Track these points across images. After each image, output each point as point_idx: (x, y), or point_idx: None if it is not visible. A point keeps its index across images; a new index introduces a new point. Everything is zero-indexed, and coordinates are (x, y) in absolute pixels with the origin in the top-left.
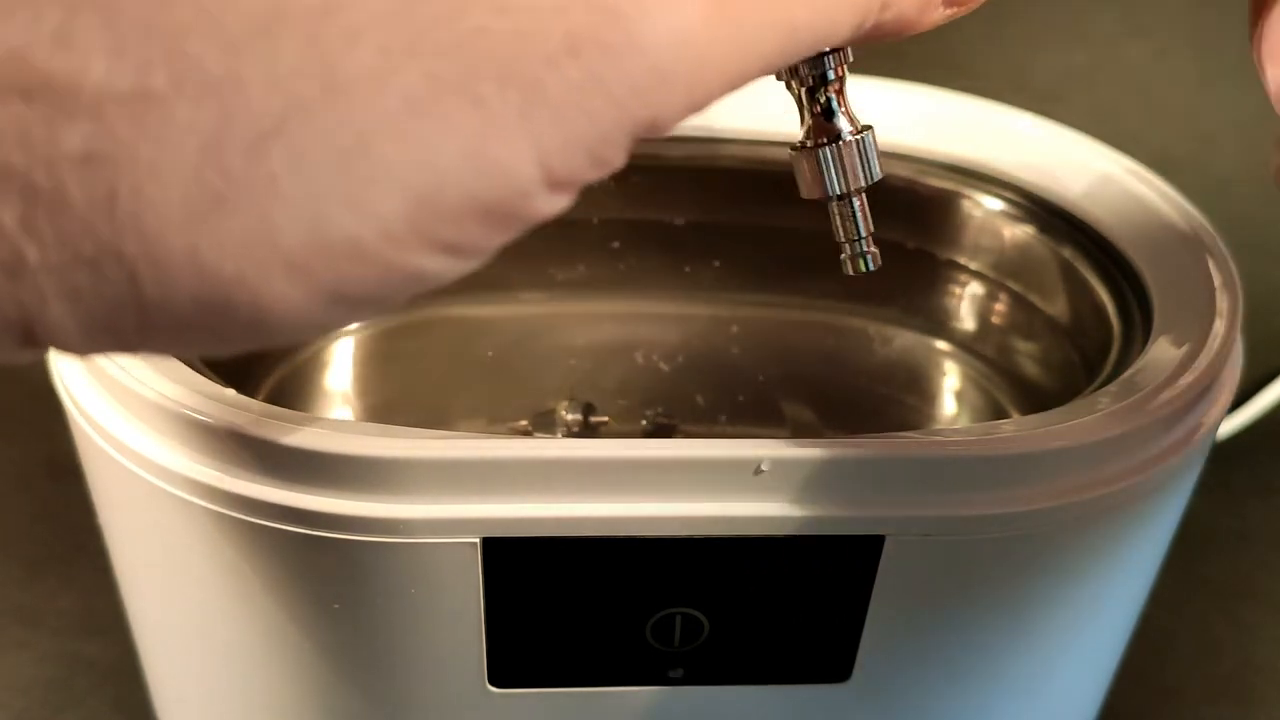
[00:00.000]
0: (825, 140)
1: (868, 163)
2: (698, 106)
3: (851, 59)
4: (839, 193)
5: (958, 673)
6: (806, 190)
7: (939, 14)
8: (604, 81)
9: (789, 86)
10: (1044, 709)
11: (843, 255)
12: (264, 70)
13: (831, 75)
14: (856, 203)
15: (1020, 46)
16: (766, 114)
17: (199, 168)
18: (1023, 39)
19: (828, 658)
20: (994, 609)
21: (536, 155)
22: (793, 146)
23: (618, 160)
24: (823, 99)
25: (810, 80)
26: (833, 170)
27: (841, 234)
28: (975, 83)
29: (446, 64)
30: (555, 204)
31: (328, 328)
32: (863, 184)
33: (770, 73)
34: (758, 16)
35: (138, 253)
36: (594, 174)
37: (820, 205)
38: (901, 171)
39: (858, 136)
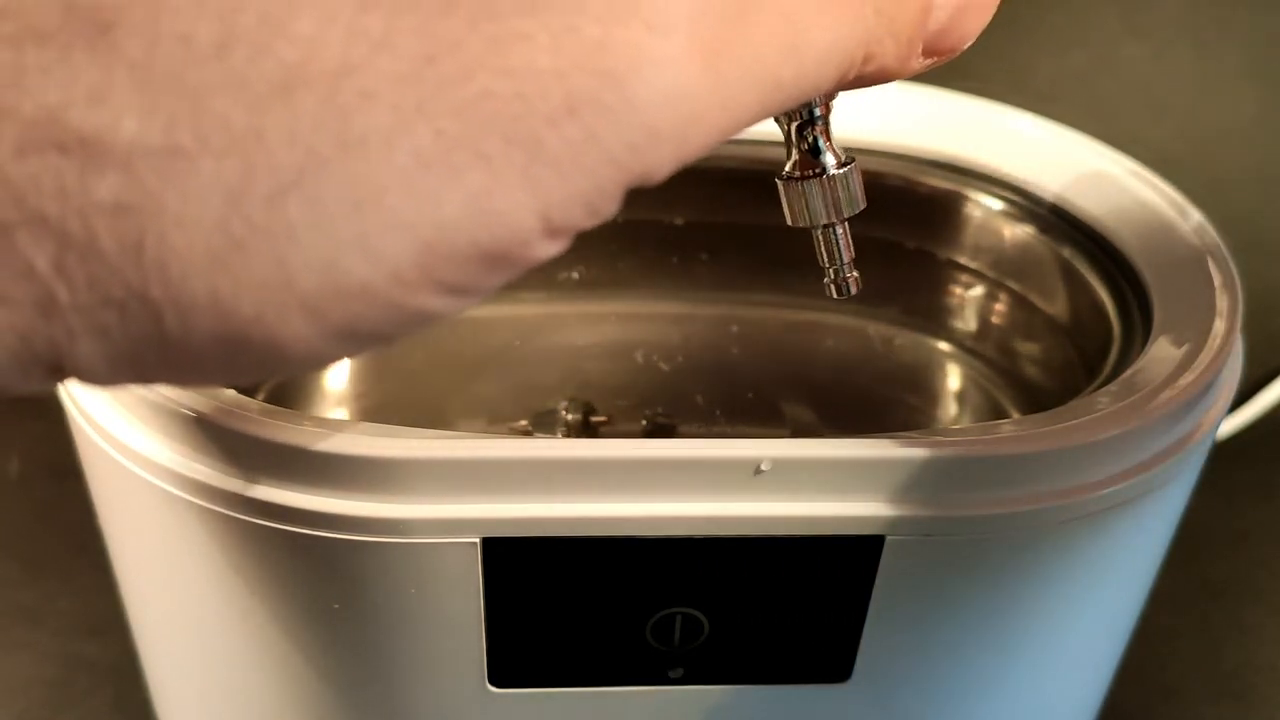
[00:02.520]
0: (811, 174)
1: (851, 195)
2: (685, 159)
3: (836, 97)
4: (824, 222)
5: (958, 672)
6: (792, 218)
7: (918, 64)
8: (601, 139)
9: (776, 121)
10: (1044, 708)
11: (825, 279)
12: (284, 127)
13: (818, 114)
14: (839, 231)
15: (1020, 46)
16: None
17: (222, 217)
18: (1023, 39)
19: (828, 658)
20: (994, 609)
21: (537, 207)
22: (778, 176)
23: (611, 210)
24: (810, 137)
25: (799, 117)
26: (818, 202)
27: (825, 260)
28: (975, 83)
29: (454, 123)
30: (551, 249)
31: (334, 361)
32: (846, 215)
33: (755, 124)
34: (746, 76)
35: (163, 296)
36: (588, 222)
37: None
38: (901, 171)
39: (842, 170)
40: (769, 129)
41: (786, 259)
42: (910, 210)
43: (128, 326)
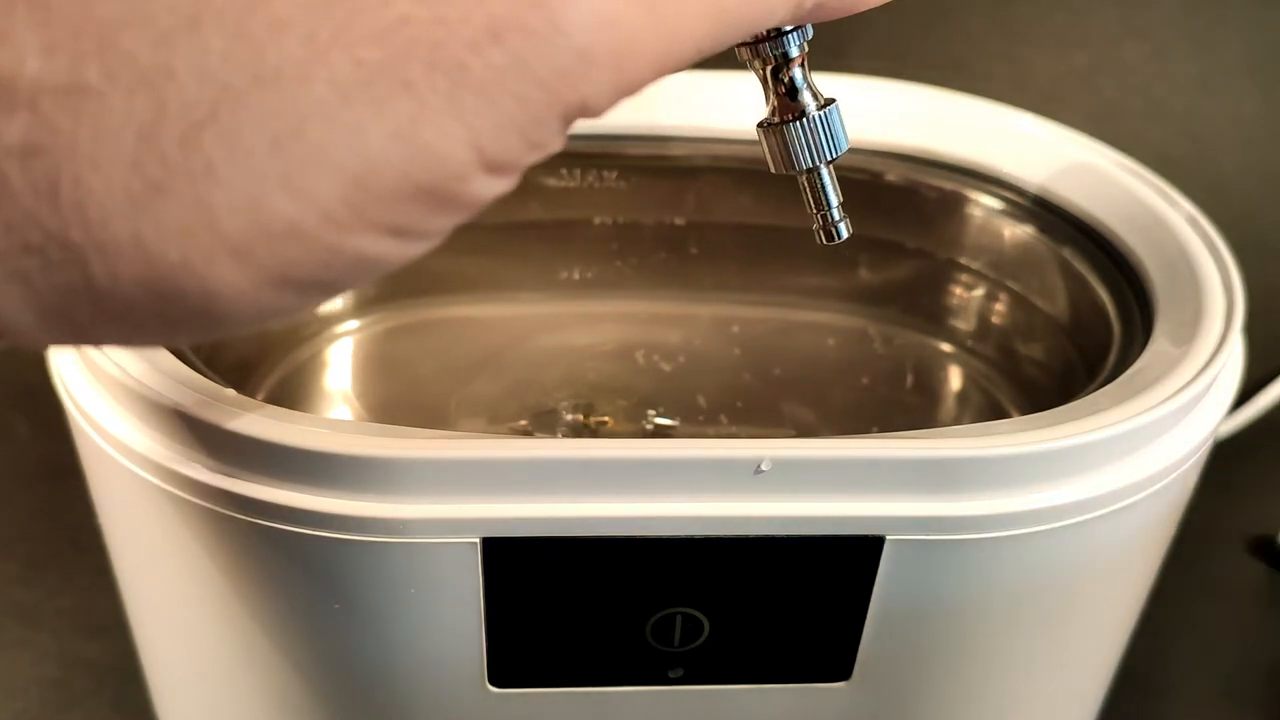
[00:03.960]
0: (791, 117)
1: (833, 136)
2: (628, 89)
3: (812, 35)
4: (807, 166)
5: (957, 672)
6: (775, 166)
7: None
8: (528, 65)
9: (751, 65)
10: (1044, 708)
11: (814, 226)
12: (194, 61)
13: (794, 53)
14: (825, 174)
15: (1020, 46)
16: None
17: (137, 156)
18: (1023, 39)
19: (828, 658)
20: (993, 608)
21: (468, 137)
22: (760, 124)
23: (553, 143)
24: (786, 78)
25: (773, 59)
26: (799, 145)
27: (812, 205)
28: (975, 83)
29: (373, 51)
30: (495, 186)
31: (279, 314)
32: (830, 157)
33: (706, 55)
34: (685, 2)
35: (84, 239)
36: (530, 156)
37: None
38: (901, 171)
39: (823, 111)
40: None
41: (786, 259)
42: (910, 210)
43: (51, 274)
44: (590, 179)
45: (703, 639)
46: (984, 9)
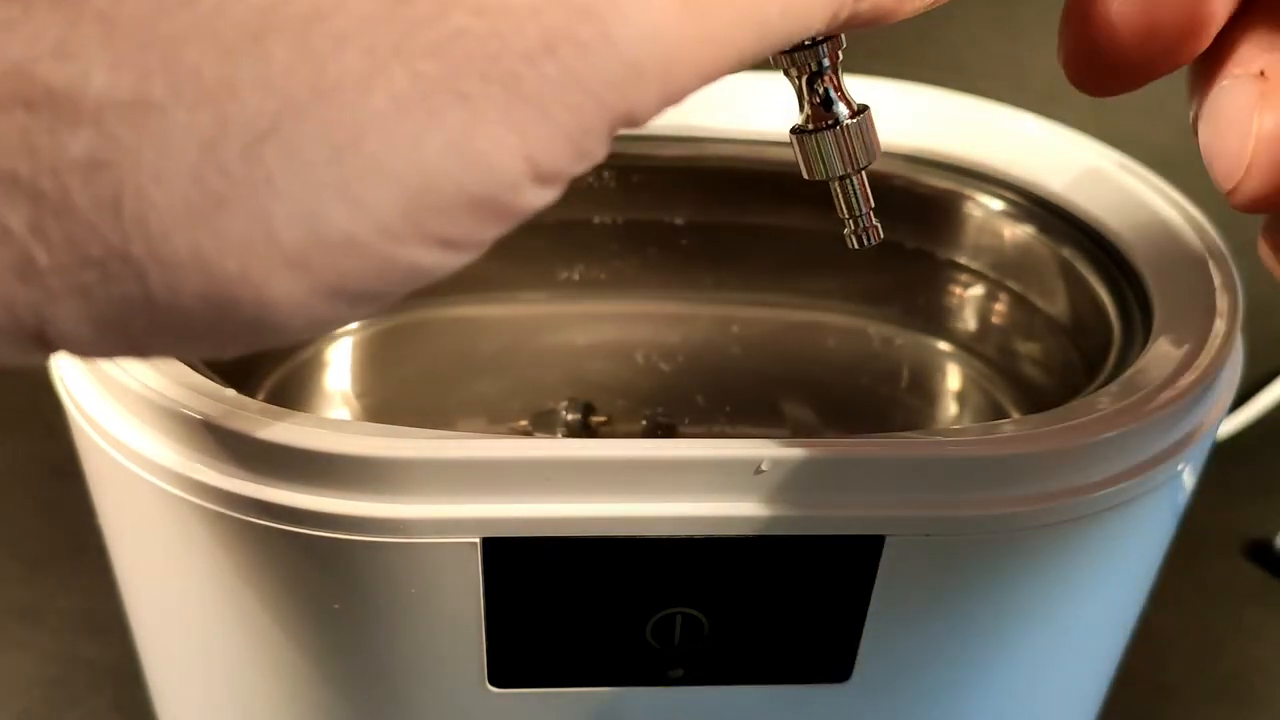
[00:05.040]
0: (825, 125)
1: (866, 144)
2: (672, 99)
3: (845, 44)
4: (840, 174)
5: (958, 672)
6: (808, 172)
7: (919, 1)
8: (580, 75)
9: (786, 72)
10: (1044, 709)
11: (845, 231)
12: (257, 75)
13: (826, 63)
14: (856, 181)
15: (1020, 46)
16: (767, 113)
17: (199, 170)
18: (1023, 39)
19: (828, 658)
20: (994, 609)
21: (521, 148)
22: (792, 130)
23: (599, 152)
24: (820, 86)
25: (808, 67)
26: (833, 153)
27: (844, 211)
28: (975, 83)
29: (431, 63)
30: (543, 196)
31: (329, 325)
32: (862, 164)
33: (746, 66)
34: (729, 13)
35: (144, 253)
36: (578, 166)
37: (819, 202)
38: (901, 171)
39: (855, 120)
40: (769, 128)
41: (787, 259)
42: (910, 210)
43: (110, 288)
44: (590, 179)
45: (703, 639)
46: (984, 9)
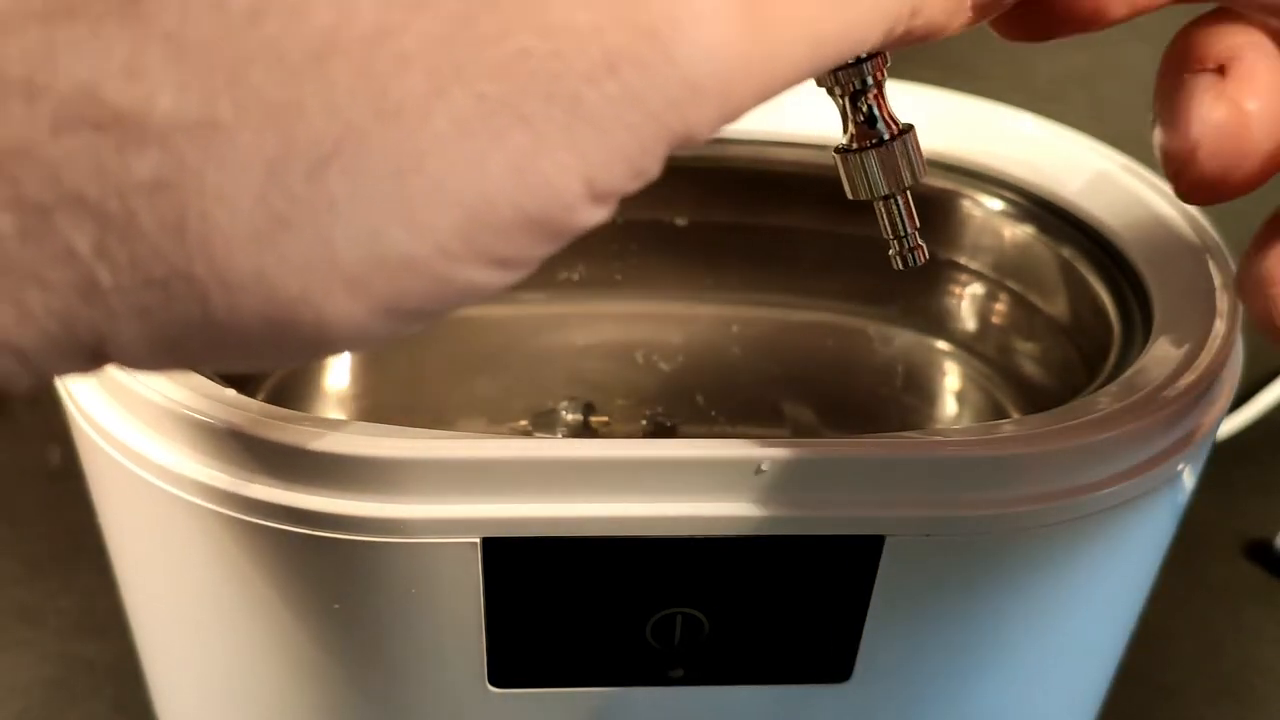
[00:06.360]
0: (869, 144)
1: (912, 162)
2: (730, 117)
3: (890, 62)
4: (884, 194)
5: (958, 672)
6: (852, 192)
7: (967, 17)
8: (641, 97)
9: (830, 93)
10: (1044, 708)
11: (891, 252)
12: (321, 97)
13: (871, 82)
14: (901, 201)
15: (1020, 46)
16: (767, 114)
17: (263, 192)
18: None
19: (828, 658)
20: (993, 609)
21: (581, 168)
22: (836, 149)
23: (655, 171)
24: (864, 107)
25: (852, 86)
26: (878, 173)
27: (889, 231)
28: (975, 83)
29: (493, 85)
30: (597, 215)
31: (382, 340)
32: (907, 184)
33: (800, 83)
34: (788, 31)
35: (207, 274)
36: (633, 185)
37: (819, 202)
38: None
39: (899, 139)
40: (770, 128)
41: (786, 259)
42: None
43: (172, 308)
44: None
45: (703, 639)
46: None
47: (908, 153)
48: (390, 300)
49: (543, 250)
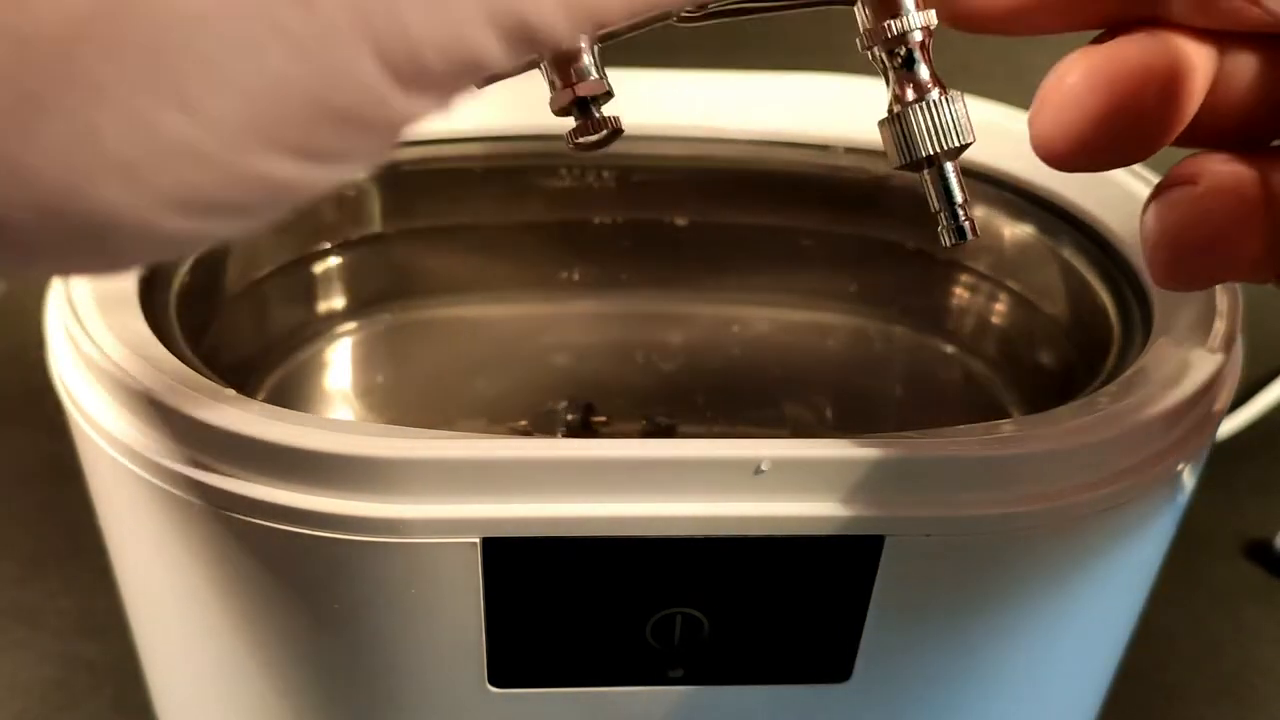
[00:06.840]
0: (913, 100)
1: (958, 124)
2: (585, 12)
3: (935, 24)
4: (926, 154)
5: (958, 672)
6: (895, 157)
7: None
8: None
9: (872, 56)
10: (1044, 708)
11: (939, 227)
12: None
13: (917, 37)
14: (949, 167)
15: (1020, 46)
16: (767, 114)
17: (12, 71)
18: (1023, 39)
19: (828, 658)
20: (994, 608)
21: (375, 52)
22: (880, 122)
23: (490, 59)
24: (911, 62)
25: (897, 52)
26: (920, 132)
27: (936, 203)
28: (975, 83)
29: None
30: (418, 106)
31: (196, 238)
32: (950, 145)
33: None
34: None
35: None
36: (456, 73)
37: (819, 202)
38: (902, 171)
39: (945, 96)
40: (770, 129)
41: (786, 259)
42: (910, 210)
43: None
44: (590, 179)
45: (703, 639)
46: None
47: (953, 113)
48: (174, 191)
49: (364, 143)
